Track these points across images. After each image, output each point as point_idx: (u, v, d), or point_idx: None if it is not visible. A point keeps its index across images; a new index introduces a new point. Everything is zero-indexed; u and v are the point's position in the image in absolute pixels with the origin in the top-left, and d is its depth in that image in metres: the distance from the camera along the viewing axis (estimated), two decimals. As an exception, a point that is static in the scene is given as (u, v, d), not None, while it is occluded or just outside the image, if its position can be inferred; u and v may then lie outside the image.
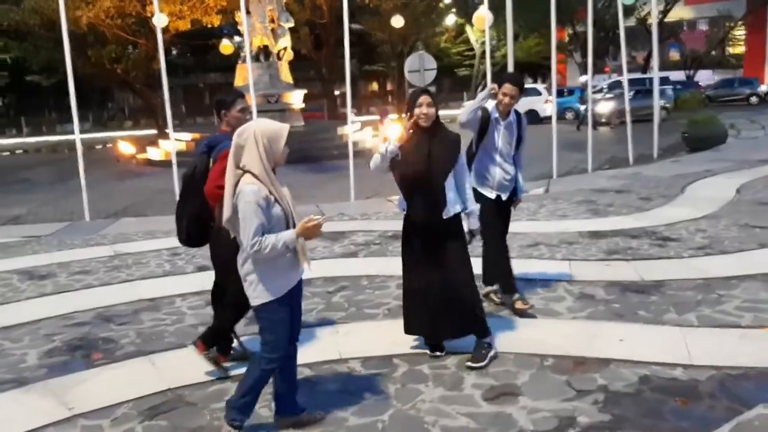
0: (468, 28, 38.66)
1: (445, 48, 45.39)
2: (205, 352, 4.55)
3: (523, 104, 25.27)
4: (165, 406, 4.17)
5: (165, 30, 30.97)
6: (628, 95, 15.18)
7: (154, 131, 32.15)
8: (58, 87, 47.23)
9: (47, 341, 5.42)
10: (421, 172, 4.32)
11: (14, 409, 4.26)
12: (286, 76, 24.08)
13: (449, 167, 4.39)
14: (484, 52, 37.00)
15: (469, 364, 4.47)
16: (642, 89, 26.05)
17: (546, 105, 29.07)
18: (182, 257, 7.97)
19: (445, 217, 4.38)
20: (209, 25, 28.54)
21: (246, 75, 24.22)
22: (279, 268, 3.46)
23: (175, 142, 13.22)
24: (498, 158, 5.27)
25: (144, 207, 12.62)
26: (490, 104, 5.24)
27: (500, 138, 5.25)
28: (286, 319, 3.57)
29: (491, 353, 4.56)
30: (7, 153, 31.41)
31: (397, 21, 23.91)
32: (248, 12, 24.55)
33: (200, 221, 4.37)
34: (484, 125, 5.22)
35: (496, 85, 5.15)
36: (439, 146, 4.35)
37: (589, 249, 7.36)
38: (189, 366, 4.71)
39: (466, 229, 4.57)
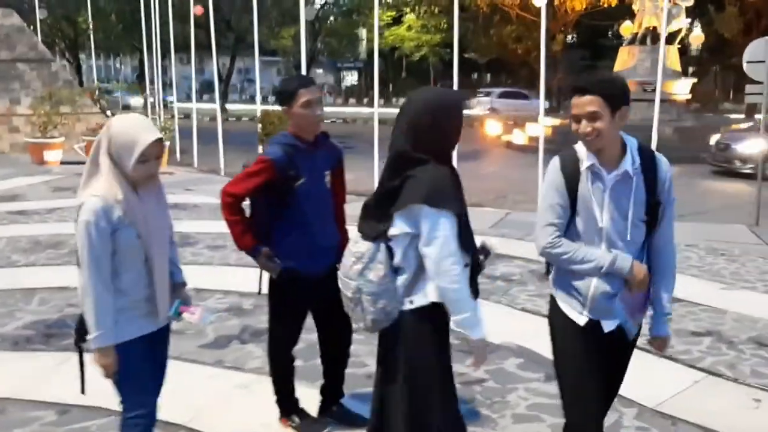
0: None
1: None
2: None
3: None
4: (61, 420, 3.62)
5: (565, 11, 30.34)
6: None
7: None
8: (490, 64, 50.39)
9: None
10: None
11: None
12: (674, 62, 21.05)
13: None
14: None
15: None
16: None
17: None
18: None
19: None
20: (606, 5, 26.80)
21: (626, 59, 22.19)
22: (124, 307, 2.57)
23: (542, 127, 11.27)
24: (602, 248, 2.50)
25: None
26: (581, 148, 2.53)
27: (605, 207, 2.46)
28: (140, 369, 2.64)
29: None
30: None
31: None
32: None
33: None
34: (572, 190, 2.49)
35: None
36: None
37: None
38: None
39: None
